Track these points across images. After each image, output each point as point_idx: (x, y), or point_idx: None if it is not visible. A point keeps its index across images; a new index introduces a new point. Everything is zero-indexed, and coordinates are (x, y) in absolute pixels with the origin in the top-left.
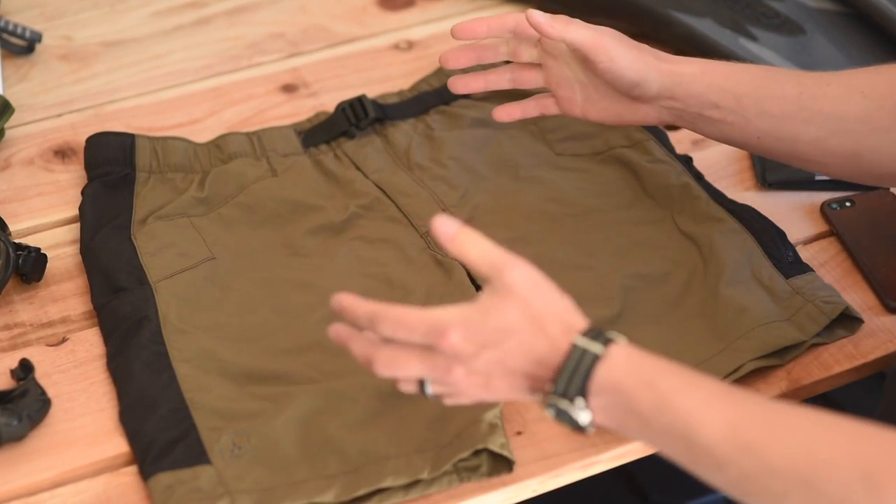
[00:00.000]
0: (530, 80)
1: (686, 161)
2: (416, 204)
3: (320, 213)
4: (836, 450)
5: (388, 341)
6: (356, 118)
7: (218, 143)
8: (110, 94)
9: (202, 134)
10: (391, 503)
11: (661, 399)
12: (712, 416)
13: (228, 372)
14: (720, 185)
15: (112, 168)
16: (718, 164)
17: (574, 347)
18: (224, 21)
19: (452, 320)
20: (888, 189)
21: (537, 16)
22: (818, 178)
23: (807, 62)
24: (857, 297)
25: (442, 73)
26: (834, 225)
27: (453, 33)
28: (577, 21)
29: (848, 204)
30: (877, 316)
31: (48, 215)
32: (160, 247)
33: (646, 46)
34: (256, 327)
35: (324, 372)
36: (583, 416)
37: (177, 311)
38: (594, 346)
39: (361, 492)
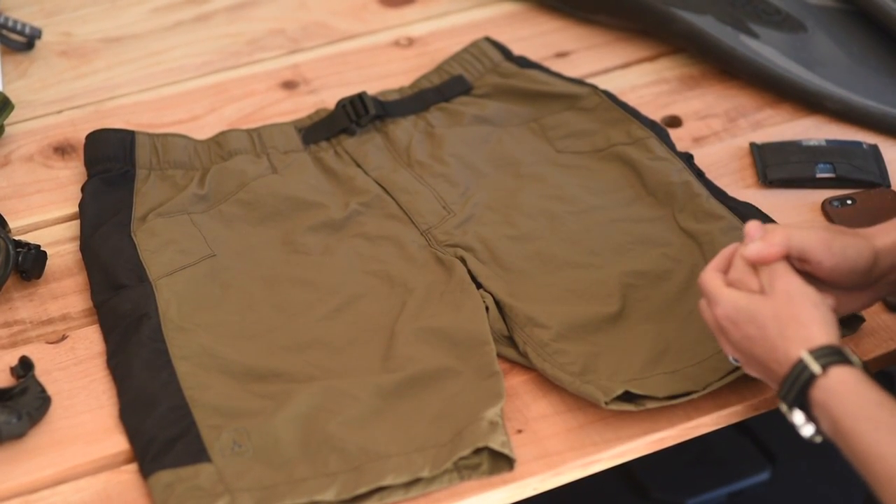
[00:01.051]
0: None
1: (687, 159)
2: (416, 201)
3: (321, 210)
4: None
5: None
6: (356, 115)
7: (218, 140)
8: (110, 91)
9: (202, 130)
10: (392, 501)
11: (851, 426)
12: (885, 451)
13: (228, 369)
14: (721, 183)
15: (112, 165)
16: (720, 161)
17: (798, 361)
18: (224, 17)
19: (723, 294)
20: (888, 186)
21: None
22: (819, 175)
23: (808, 59)
24: None
25: (442, 70)
26: (835, 222)
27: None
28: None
29: (849, 202)
30: (878, 314)
31: (48, 212)
32: (160, 244)
33: (847, 230)
34: (256, 325)
35: (324, 369)
36: (805, 429)
37: (177, 309)
38: (814, 365)
39: (362, 490)
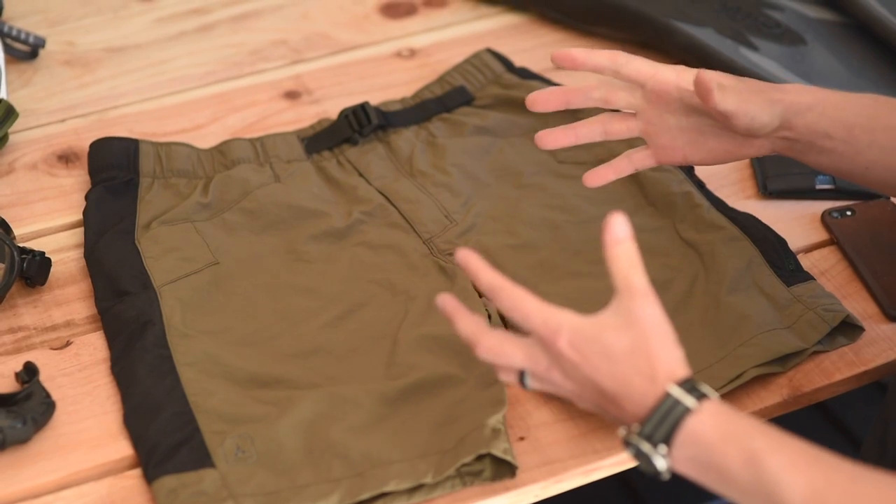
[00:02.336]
0: (623, 130)
1: (688, 170)
2: (418, 210)
3: (323, 218)
4: None
5: (492, 328)
6: (359, 125)
7: (221, 149)
8: (114, 100)
9: (205, 140)
10: None
11: (747, 457)
12: (797, 478)
13: (232, 376)
14: (721, 194)
15: (116, 173)
16: (720, 172)
17: (667, 395)
18: (227, 28)
19: (567, 324)
20: (888, 198)
21: (707, 76)
22: (819, 186)
23: (807, 72)
24: (858, 305)
25: (444, 81)
26: (835, 233)
27: (553, 59)
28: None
29: (849, 213)
30: (877, 324)
31: (52, 220)
32: (164, 251)
33: (756, 82)
34: (260, 331)
35: (327, 376)
36: (660, 463)
37: (181, 316)
38: (687, 399)
39: (365, 496)
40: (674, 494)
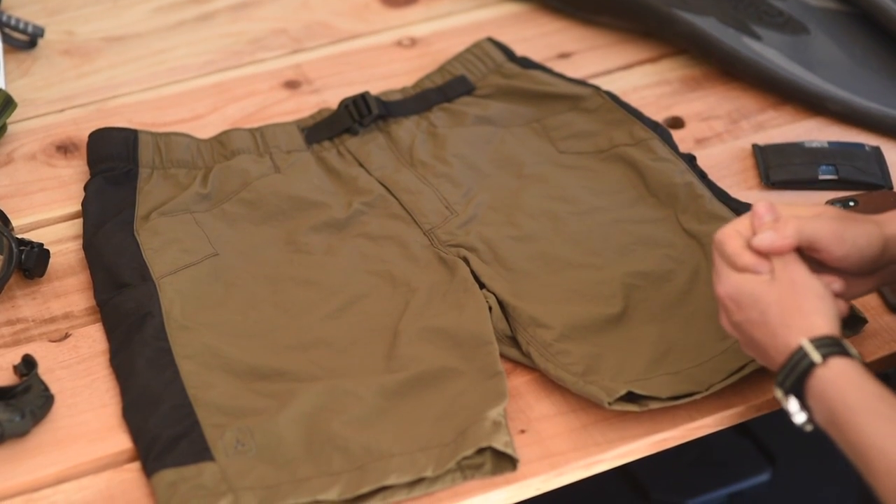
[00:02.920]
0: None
1: (690, 160)
2: (419, 201)
3: (323, 209)
4: None
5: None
6: (359, 115)
7: (221, 140)
8: (113, 90)
9: (205, 130)
10: (395, 501)
11: (848, 417)
12: (888, 448)
13: (232, 368)
14: (724, 184)
15: (115, 164)
16: (722, 162)
17: (798, 349)
18: (227, 17)
19: (728, 275)
20: (890, 188)
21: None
22: (821, 177)
23: (810, 61)
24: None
25: (445, 71)
26: None
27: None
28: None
29: (851, 203)
30: (880, 316)
31: (51, 210)
32: (163, 243)
33: (858, 217)
34: (260, 324)
35: (327, 369)
36: (797, 417)
37: (180, 308)
38: (815, 354)
39: (365, 489)
40: (675, 485)
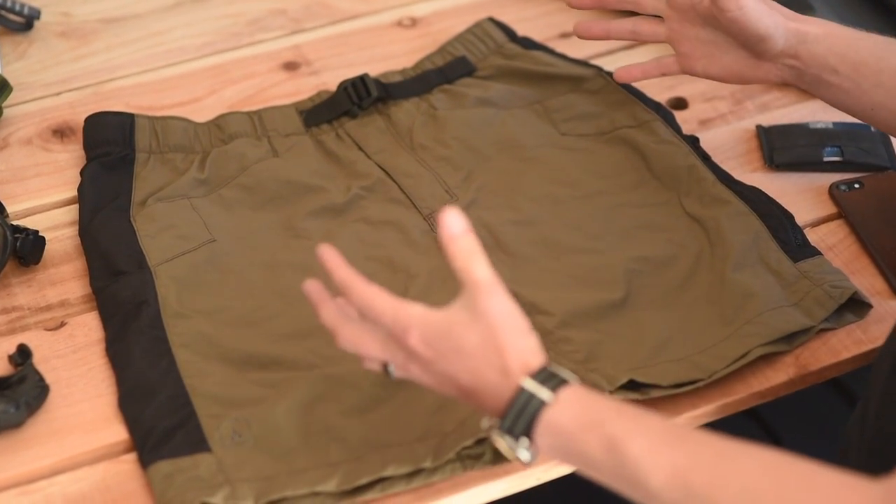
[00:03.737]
0: (651, 33)
1: (693, 142)
2: (419, 185)
3: (322, 194)
4: (782, 497)
5: (353, 318)
6: (358, 97)
7: (218, 123)
8: (110, 72)
9: (203, 112)
10: (393, 492)
11: (607, 444)
12: (660, 460)
13: (228, 357)
14: (727, 166)
15: (111, 149)
16: (726, 144)
17: (522, 390)
18: None
19: (416, 322)
20: None
21: None
22: (826, 158)
23: None
24: (866, 281)
25: (445, 52)
26: (842, 207)
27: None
28: None
29: (857, 186)
30: (885, 300)
31: (46, 196)
32: (160, 229)
33: (774, 3)
34: (257, 311)
35: (325, 357)
36: (525, 455)
37: (176, 295)
38: (542, 392)
39: (363, 481)
40: None
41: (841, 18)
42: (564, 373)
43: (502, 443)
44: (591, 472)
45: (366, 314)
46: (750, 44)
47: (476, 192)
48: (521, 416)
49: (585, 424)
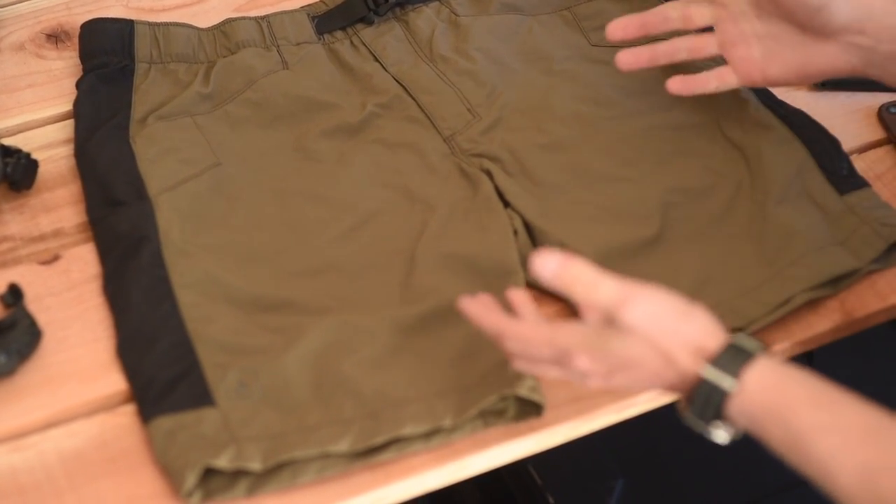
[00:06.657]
0: (704, 46)
1: None
2: (439, 103)
3: (335, 111)
4: None
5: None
6: (374, 2)
7: (224, 30)
8: None
9: (207, 15)
10: (410, 452)
11: (794, 439)
12: (849, 460)
13: (235, 299)
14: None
15: (109, 59)
16: None
17: (702, 382)
18: None
19: (577, 346)
20: None
21: None
22: None
23: None
24: None
25: None
26: (892, 131)
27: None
28: None
29: None
30: None
31: (40, 110)
32: (160, 152)
33: None
34: (266, 245)
35: (338, 298)
36: (720, 436)
37: (179, 229)
38: (724, 381)
39: (378, 440)
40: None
41: None
42: (749, 343)
43: (698, 429)
44: (782, 454)
45: (528, 351)
46: (807, 19)
47: (500, 110)
48: (707, 407)
49: (772, 413)
